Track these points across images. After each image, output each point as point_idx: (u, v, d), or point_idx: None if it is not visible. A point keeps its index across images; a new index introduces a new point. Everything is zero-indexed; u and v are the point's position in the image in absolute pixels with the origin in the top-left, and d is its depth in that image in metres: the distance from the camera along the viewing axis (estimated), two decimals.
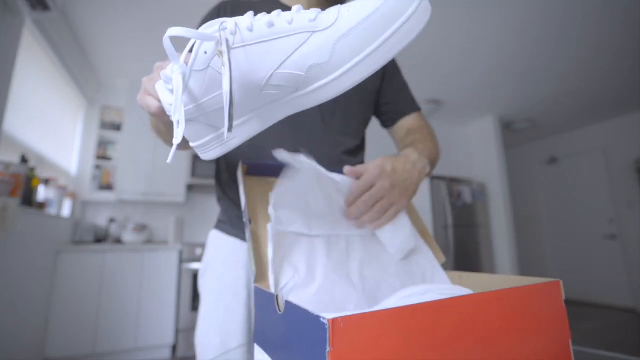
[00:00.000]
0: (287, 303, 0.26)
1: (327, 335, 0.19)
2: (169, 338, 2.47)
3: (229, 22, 0.30)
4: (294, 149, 0.60)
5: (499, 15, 2.26)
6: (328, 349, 0.19)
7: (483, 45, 2.60)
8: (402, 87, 0.79)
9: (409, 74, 3.26)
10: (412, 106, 0.77)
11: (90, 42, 2.51)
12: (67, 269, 2.28)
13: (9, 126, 1.80)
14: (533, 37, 2.50)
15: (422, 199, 3.57)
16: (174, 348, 2.55)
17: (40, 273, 2.08)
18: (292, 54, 0.29)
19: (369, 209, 0.45)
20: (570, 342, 0.28)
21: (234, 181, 0.64)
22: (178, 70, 0.30)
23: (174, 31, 0.27)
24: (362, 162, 0.74)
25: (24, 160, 1.84)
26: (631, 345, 2.71)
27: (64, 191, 2.38)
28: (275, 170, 0.50)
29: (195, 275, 2.60)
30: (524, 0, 2.12)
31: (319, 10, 0.30)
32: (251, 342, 0.58)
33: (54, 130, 2.43)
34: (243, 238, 0.64)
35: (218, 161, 0.70)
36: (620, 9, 2.20)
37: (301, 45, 0.29)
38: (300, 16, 0.30)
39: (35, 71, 2.13)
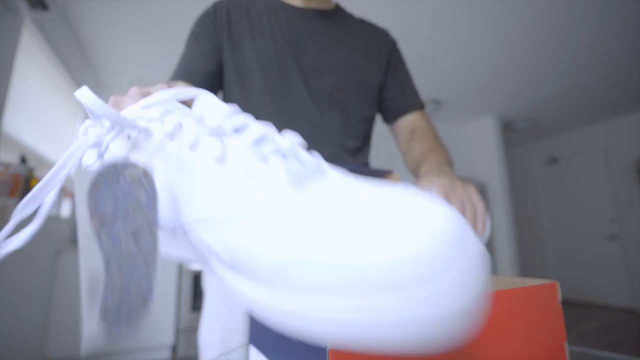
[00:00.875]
0: None
1: None
2: (168, 338, 2.47)
3: (172, 118, 0.20)
4: None
5: (499, 15, 2.26)
6: (328, 347, 0.19)
7: (483, 45, 2.60)
8: (405, 82, 0.75)
9: None
10: (414, 104, 0.73)
11: (90, 42, 2.51)
12: (66, 269, 2.28)
13: (8, 126, 1.79)
14: (533, 36, 2.50)
15: None
16: (174, 348, 2.55)
17: (40, 273, 2.08)
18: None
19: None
20: (565, 343, 0.28)
21: None
22: (92, 132, 0.21)
23: (82, 96, 0.19)
24: (366, 163, 0.72)
25: (23, 160, 1.83)
26: (631, 346, 2.71)
27: (63, 191, 2.38)
28: None
29: (195, 276, 2.60)
30: (524, 0, 2.12)
31: None
32: None
33: (54, 130, 2.43)
34: None
35: None
36: (621, 9, 2.20)
37: None
38: None
39: (35, 71, 2.12)
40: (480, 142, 4.17)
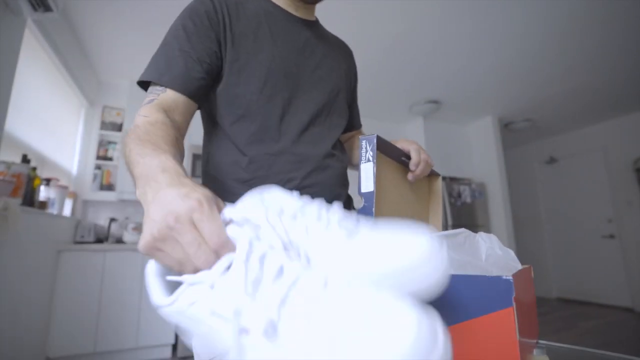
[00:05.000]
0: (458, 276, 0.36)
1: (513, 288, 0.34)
2: (169, 337, 2.48)
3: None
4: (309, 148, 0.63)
5: (499, 16, 2.27)
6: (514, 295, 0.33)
7: (483, 45, 2.61)
8: (356, 103, 0.85)
9: (409, 74, 3.25)
10: (360, 123, 0.86)
11: (91, 43, 2.52)
12: (68, 268, 2.29)
13: (11, 126, 1.80)
14: (533, 37, 2.51)
15: None
16: (174, 347, 2.56)
17: (42, 272, 2.08)
18: None
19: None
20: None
21: (246, 179, 0.60)
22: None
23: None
24: (346, 165, 0.73)
25: (25, 160, 1.84)
26: (629, 345, 2.72)
27: (65, 191, 2.39)
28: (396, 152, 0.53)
29: None
30: (524, 1, 2.13)
31: None
32: None
33: (55, 130, 2.44)
34: None
35: (212, 157, 0.65)
36: (621, 10, 2.21)
37: None
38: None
39: (37, 71, 2.13)
40: (479, 142, 4.19)
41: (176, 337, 2.52)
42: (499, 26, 2.38)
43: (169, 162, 0.36)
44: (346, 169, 0.71)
